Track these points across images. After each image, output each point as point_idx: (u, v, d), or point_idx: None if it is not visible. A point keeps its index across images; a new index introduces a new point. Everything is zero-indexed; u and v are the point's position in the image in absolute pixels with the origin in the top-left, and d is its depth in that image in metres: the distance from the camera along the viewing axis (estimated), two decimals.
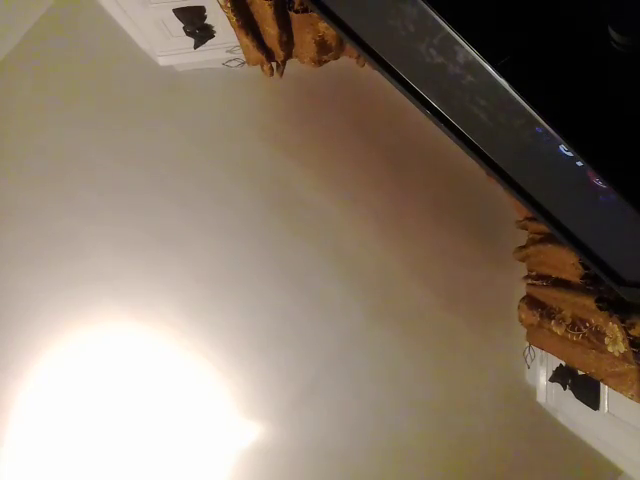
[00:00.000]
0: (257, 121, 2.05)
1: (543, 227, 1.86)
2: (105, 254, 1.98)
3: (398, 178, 2.13)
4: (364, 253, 2.14)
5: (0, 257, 1.97)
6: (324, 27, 1.65)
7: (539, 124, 0.79)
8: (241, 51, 1.84)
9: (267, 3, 1.48)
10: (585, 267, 1.57)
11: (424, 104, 0.98)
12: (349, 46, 1.87)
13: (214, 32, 1.77)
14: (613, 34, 0.73)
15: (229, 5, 1.48)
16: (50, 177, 1.99)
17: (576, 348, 1.65)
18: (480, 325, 2.19)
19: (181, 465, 2.11)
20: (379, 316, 2.15)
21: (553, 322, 1.78)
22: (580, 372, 1.74)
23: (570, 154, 0.82)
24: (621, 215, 0.85)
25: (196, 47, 1.80)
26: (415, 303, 2.17)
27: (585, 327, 1.60)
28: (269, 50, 1.83)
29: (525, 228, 2.09)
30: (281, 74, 1.97)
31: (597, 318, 1.52)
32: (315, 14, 1.53)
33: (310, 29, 1.65)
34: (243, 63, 1.98)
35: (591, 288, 1.54)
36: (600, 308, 1.44)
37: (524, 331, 2.08)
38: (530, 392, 2.12)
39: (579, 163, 0.82)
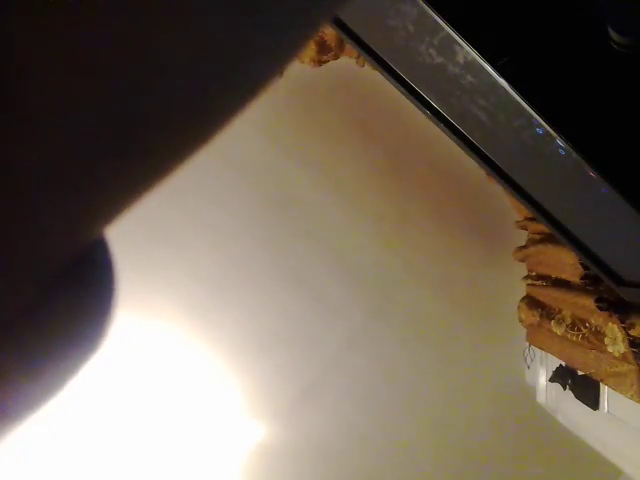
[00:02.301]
0: (256, 121, 2.05)
1: (543, 227, 1.86)
2: None
3: (398, 178, 2.13)
4: (364, 253, 2.14)
5: None
6: (324, 27, 1.65)
7: (539, 124, 0.79)
8: None
9: None
10: (585, 267, 1.57)
11: (424, 104, 0.98)
12: (349, 46, 1.87)
13: None
14: (613, 35, 0.73)
15: None
16: None
17: (576, 348, 1.65)
18: (480, 325, 2.19)
19: (183, 464, 2.12)
20: (379, 316, 2.15)
21: (553, 322, 1.78)
22: (580, 372, 1.74)
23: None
24: (621, 215, 0.85)
25: None
26: (415, 303, 2.17)
27: (585, 327, 1.60)
28: None
29: (525, 228, 2.09)
30: (281, 74, 1.97)
31: (597, 318, 1.53)
32: None
33: None
34: None
35: (591, 288, 1.54)
36: (600, 308, 1.44)
37: (524, 331, 2.09)
38: (530, 392, 2.12)
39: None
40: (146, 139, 0.12)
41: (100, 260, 0.16)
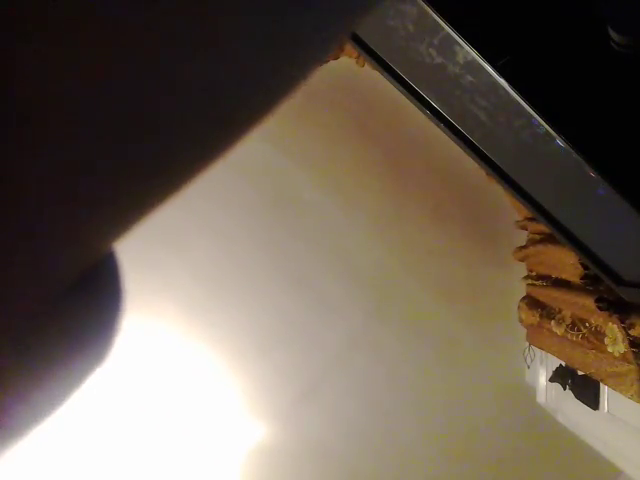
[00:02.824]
0: None
1: (543, 227, 1.86)
2: None
3: (398, 178, 2.13)
4: (364, 253, 2.14)
5: None
6: None
7: (539, 124, 0.79)
8: None
9: None
10: (585, 267, 1.57)
11: (424, 104, 0.98)
12: (349, 46, 1.87)
13: None
14: (613, 34, 0.73)
15: None
16: None
17: (576, 348, 1.65)
18: (480, 325, 2.19)
19: (183, 464, 2.12)
20: (379, 316, 2.15)
21: (553, 322, 1.78)
22: (580, 372, 1.74)
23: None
24: (621, 215, 0.85)
25: None
26: (415, 303, 2.17)
27: (585, 327, 1.60)
28: None
29: (525, 228, 2.08)
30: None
31: (597, 318, 1.53)
32: None
33: None
34: None
35: (591, 288, 1.54)
36: (600, 308, 1.44)
37: (524, 331, 2.09)
38: (530, 392, 2.12)
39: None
40: (158, 154, 0.12)
41: (107, 269, 0.16)
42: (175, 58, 0.10)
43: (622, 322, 1.39)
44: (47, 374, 0.14)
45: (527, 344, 2.10)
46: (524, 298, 2.02)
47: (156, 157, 0.12)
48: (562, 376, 1.87)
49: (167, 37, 0.10)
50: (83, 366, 0.15)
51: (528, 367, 2.14)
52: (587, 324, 1.59)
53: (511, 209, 2.12)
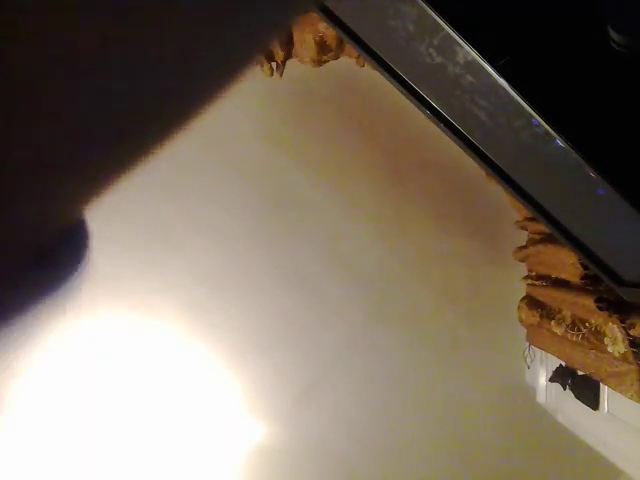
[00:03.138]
0: (256, 121, 2.05)
1: (543, 227, 1.86)
2: (104, 255, 1.98)
3: (398, 178, 2.13)
4: (364, 253, 2.14)
5: None
6: (324, 27, 1.65)
7: (539, 124, 0.79)
8: None
9: None
10: (585, 267, 1.57)
11: (424, 104, 0.98)
12: (349, 46, 1.87)
13: None
14: (613, 34, 0.73)
15: None
16: None
17: (576, 348, 1.65)
18: (480, 325, 2.19)
19: (183, 464, 2.11)
20: (379, 316, 2.15)
21: (553, 322, 1.78)
22: (580, 372, 1.74)
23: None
24: (621, 215, 0.85)
25: None
26: (415, 303, 2.17)
27: (585, 327, 1.60)
28: (269, 50, 1.83)
29: (525, 228, 2.08)
30: (281, 74, 1.97)
31: (597, 318, 1.53)
32: (315, 14, 1.53)
33: (310, 29, 1.66)
34: None
35: (591, 288, 1.54)
36: (600, 308, 1.44)
37: (524, 331, 2.09)
38: (530, 392, 2.13)
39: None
40: (129, 125, 0.13)
41: (78, 233, 0.19)
42: (158, 42, 0.12)
43: (622, 322, 1.39)
44: (18, 317, 0.16)
45: (527, 344, 2.10)
46: (524, 298, 2.02)
47: (135, 126, 0.14)
48: (562, 376, 1.87)
49: (138, 28, 0.12)
50: (48, 311, 0.18)
51: (528, 367, 2.14)
52: (587, 324, 1.59)
53: (511, 209, 2.12)
